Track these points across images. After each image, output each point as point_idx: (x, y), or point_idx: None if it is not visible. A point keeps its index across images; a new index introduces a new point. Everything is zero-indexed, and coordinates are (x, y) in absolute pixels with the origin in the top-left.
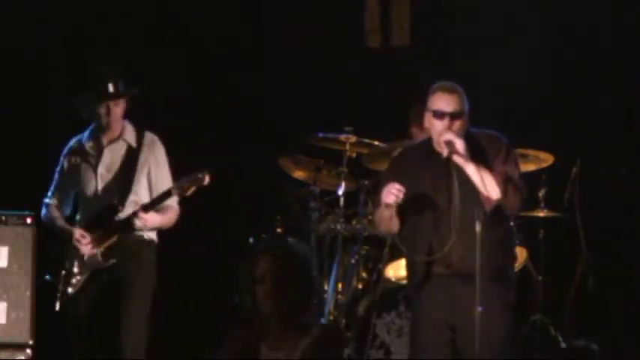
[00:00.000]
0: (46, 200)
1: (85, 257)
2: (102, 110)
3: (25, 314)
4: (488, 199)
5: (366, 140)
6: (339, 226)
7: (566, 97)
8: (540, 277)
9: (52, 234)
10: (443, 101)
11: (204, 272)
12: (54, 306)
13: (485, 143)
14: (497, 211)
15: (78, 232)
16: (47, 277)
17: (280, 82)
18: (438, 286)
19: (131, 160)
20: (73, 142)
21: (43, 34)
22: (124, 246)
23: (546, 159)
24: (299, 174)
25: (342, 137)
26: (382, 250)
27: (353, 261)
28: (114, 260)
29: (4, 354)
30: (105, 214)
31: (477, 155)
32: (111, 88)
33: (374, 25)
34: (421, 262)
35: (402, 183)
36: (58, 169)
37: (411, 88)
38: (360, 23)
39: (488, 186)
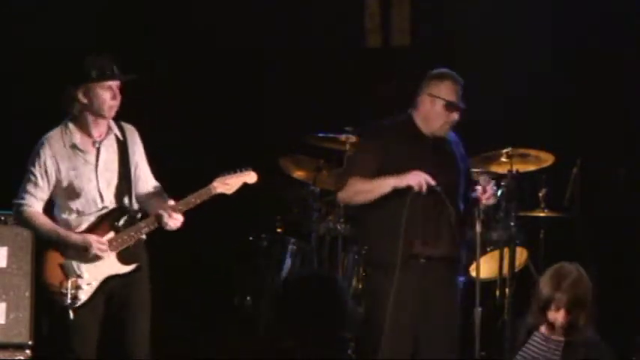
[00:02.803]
0: (22, 201)
1: (98, 262)
2: (107, 95)
3: (24, 315)
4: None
5: None
6: (339, 226)
7: (566, 97)
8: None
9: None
10: (456, 94)
11: (204, 272)
12: (65, 315)
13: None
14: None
15: (93, 238)
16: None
17: (280, 82)
18: (413, 267)
19: (125, 156)
20: (52, 136)
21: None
22: (127, 248)
23: (546, 159)
24: (299, 174)
25: (342, 137)
26: None
27: (353, 261)
28: (136, 264)
29: (3, 354)
30: (115, 216)
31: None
32: (115, 70)
33: (374, 25)
34: (397, 242)
35: (385, 159)
36: (37, 165)
37: (411, 88)
38: (360, 23)
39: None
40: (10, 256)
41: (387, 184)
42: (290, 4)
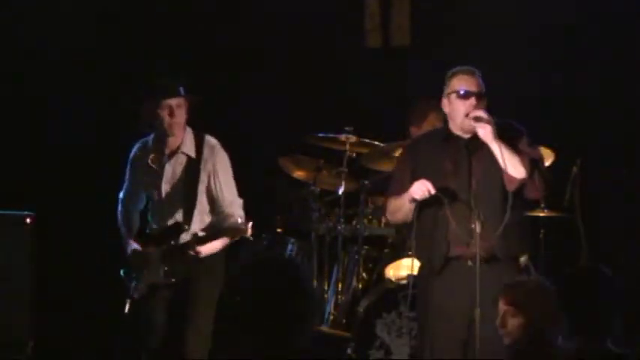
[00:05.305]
0: (121, 196)
1: (149, 269)
2: (164, 112)
3: (24, 314)
4: (512, 179)
5: (366, 140)
6: (339, 226)
7: (566, 97)
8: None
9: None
10: (466, 82)
11: None
12: (123, 307)
13: (505, 130)
14: (515, 197)
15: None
16: (122, 272)
17: (280, 81)
18: (458, 271)
19: (192, 174)
20: (137, 149)
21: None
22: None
23: (547, 157)
24: (299, 174)
25: (342, 137)
26: (382, 250)
27: (353, 261)
28: (174, 279)
29: (4, 354)
30: (171, 232)
31: (501, 140)
32: (171, 89)
33: (374, 25)
34: (440, 246)
35: (417, 169)
36: (127, 172)
37: (411, 88)
38: (360, 23)
39: (514, 165)
40: (11, 256)
41: (404, 200)
42: (290, 4)
